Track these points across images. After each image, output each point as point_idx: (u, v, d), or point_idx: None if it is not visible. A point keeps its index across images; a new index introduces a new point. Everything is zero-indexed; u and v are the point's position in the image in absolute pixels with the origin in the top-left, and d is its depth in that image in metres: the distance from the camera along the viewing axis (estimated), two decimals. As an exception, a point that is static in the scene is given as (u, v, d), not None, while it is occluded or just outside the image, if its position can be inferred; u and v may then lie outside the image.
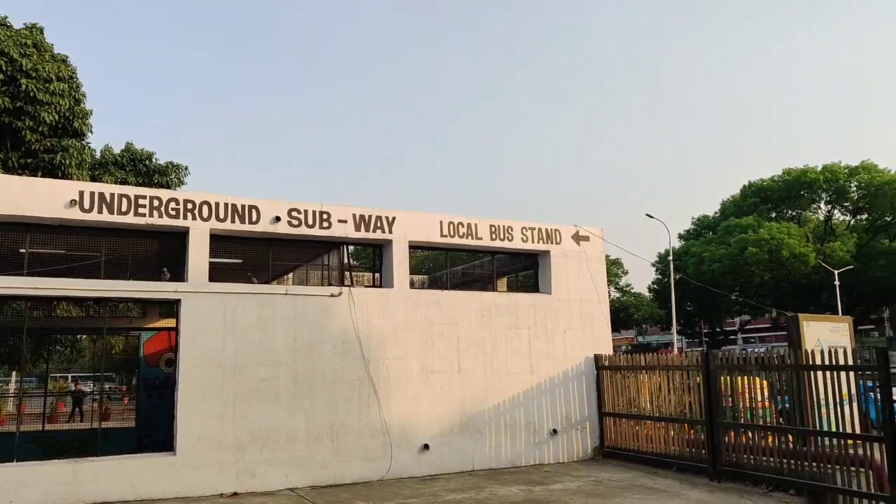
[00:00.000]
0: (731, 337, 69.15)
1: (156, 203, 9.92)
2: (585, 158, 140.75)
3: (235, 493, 9.66)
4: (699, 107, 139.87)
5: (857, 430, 8.92)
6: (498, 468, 11.67)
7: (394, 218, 11.61)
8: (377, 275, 11.99)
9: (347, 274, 11.74)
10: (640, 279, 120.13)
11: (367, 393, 10.88)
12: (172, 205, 10.01)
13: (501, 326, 12.31)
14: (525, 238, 12.87)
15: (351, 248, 11.98)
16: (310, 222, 10.86)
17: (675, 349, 39.36)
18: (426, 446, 11.19)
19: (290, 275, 12.95)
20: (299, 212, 10.81)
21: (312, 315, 10.67)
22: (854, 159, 54.02)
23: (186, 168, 20.66)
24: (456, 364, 11.75)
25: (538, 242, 13.00)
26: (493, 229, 12.53)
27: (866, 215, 51.43)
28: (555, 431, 12.36)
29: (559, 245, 13.17)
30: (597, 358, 12.95)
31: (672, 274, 36.87)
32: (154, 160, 20.28)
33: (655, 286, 59.50)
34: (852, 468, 8.55)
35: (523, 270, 14.27)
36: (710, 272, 47.27)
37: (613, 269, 62.35)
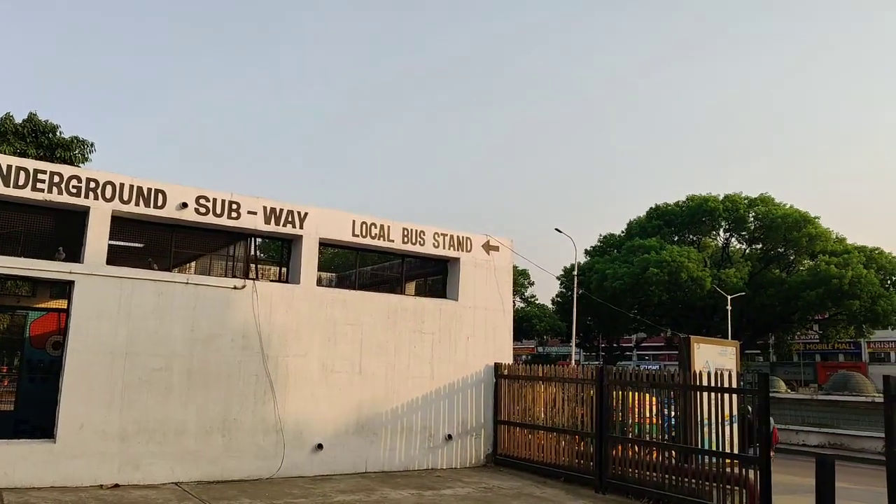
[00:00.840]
0: (627, 353, 72.25)
1: (56, 179, 9.55)
2: (503, 169, 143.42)
3: (117, 485, 9.42)
4: (621, 128, 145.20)
5: (736, 451, 9.64)
6: (391, 471, 11.88)
7: (306, 213, 11.62)
8: (284, 269, 11.96)
9: (253, 267, 11.66)
10: (545, 291, 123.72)
11: (263, 390, 10.84)
12: (74, 182, 9.66)
13: (406, 330, 12.54)
14: (437, 243, 13.16)
15: (259, 240, 11.90)
16: (218, 211, 10.73)
17: (573, 361, 40.81)
18: (320, 446, 11.26)
19: (193, 264, 12.71)
20: (208, 199, 10.66)
21: (213, 307, 10.54)
22: (754, 191, 57.77)
23: (92, 145, 19.80)
24: (358, 365, 11.88)
25: (449, 249, 13.32)
26: (405, 233, 12.75)
27: (761, 245, 55.07)
28: (450, 437, 12.69)
29: (469, 253, 13.54)
30: (497, 366, 13.39)
31: (576, 288, 38.21)
32: (59, 133, 19.33)
33: (559, 299, 61.41)
34: (728, 486, 9.26)
35: (433, 275, 14.56)
36: (611, 289, 49.28)
37: (520, 279, 63.87)
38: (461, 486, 10.89)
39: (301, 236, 11.55)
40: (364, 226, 12.25)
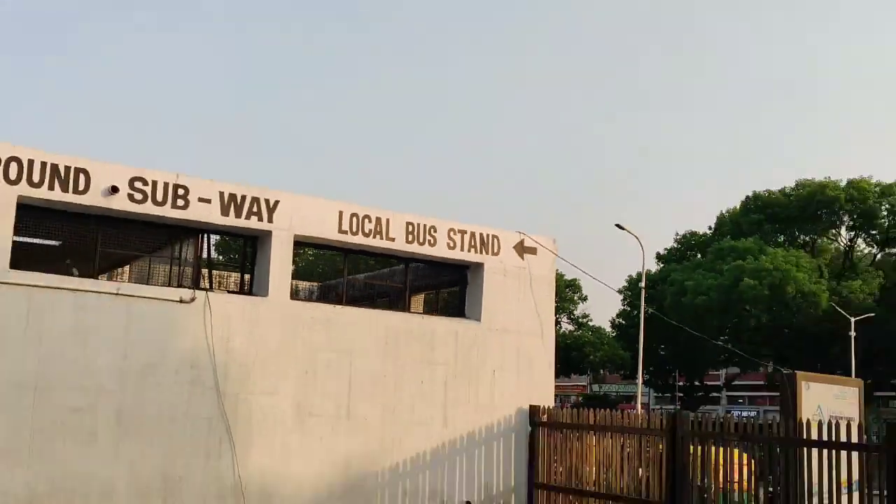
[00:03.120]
0: (714, 394, 71.86)
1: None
2: (542, 153, 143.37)
3: (21, 566, 9.53)
4: (692, 95, 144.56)
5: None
6: (390, 550, 11.93)
7: (276, 202, 11.72)
8: (248, 277, 12.04)
9: (206, 273, 11.75)
10: (602, 310, 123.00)
11: (218, 438, 10.93)
12: (-38, 158, 9.83)
13: (411, 360, 12.57)
14: (452, 244, 13.18)
15: (215, 238, 11.98)
16: (159, 198, 10.85)
17: (639, 405, 40.65)
18: (295, 515, 11.32)
19: (127, 269, 12.84)
20: (146, 182, 10.78)
21: (152, 326, 10.65)
22: (888, 176, 57.15)
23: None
24: (345, 407, 11.94)
25: (469, 251, 13.33)
26: (409, 228, 12.78)
27: (897, 248, 54.52)
28: (469, 505, 12.72)
29: (496, 256, 13.54)
30: (532, 411, 13.38)
31: (643, 306, 38.03)
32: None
33: (621, 320, 61.22)
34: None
35: (447, 287, 14.59)
36: (693, 306, 49.01)
37: (568, 293, 63.90)
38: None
39: (270, 232, 11.64)
40: (354, 219, 12.31)
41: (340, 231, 12.22)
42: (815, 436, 9.64)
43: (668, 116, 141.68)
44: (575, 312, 68.13)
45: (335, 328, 11.99)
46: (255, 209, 11.54)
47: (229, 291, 11.99)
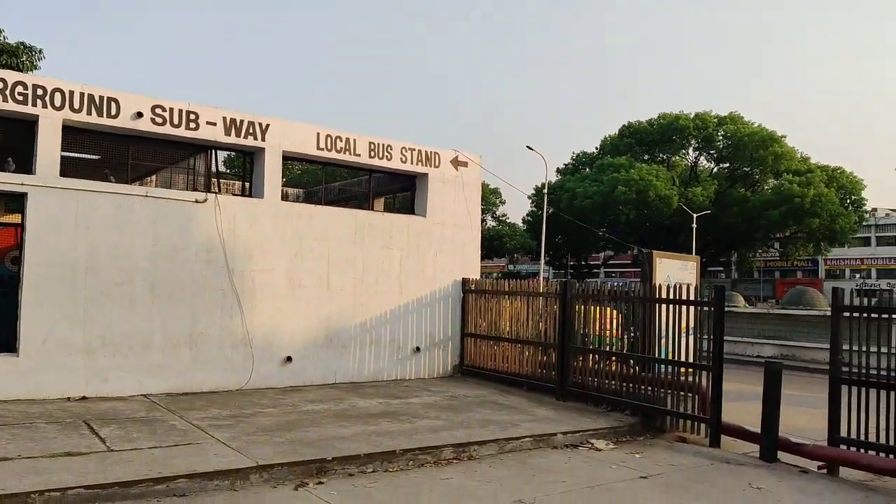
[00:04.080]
0: (595, 271, 73.47)
1: (0, 85, 8.99)
2: (473, 86, 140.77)
3: (84, 398, 9.36)
4: (594, 46, 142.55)
5: (691, 360, 9.79)
6: (360, 382, 11.99)
7: (267, 125, 11.20)
8: (248, 184, 11.64)
9: (215, 181, 11.31)
10: (516, 210, 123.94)
11: (230, 304, 10.72)
12: (20, 89, 9.11)
13: (374, 246, 12.40)
14: (404, 159, 12.86)
15: (222, 154, 11.50)
16: (175, 121, 10.28)
17: (542, 279, 41.27)
18: (289, 358, 11.27)
19: (154, 177, 12.30)
20: (164, 109, 10.18)
21: (174, 220, 10.25)
22: (723, 110, 57.47)
23: (41, 51, 18.71)
24: (325, 280, 11.77)
25: (417, 164, 13.04)
26: (371, 147, 12.41)
27: (728, 164, 55.32)
28: (418, 349, 12.79)
29: (438, 169, 13.28)
30: (464, 281, 13.39)
31: (545, 207, 38.22)
32: (2, 38, 18.21)
33: (529, 218, 61.65)
34: (682, 393, 9.48)
35: (400, 192, 14.33)
36: (581, 207, 49.51)
37: (491, 198, 63.80)
38: (428, 395, 11.04)
39: (263, 149, 11.17)
40: (329, 139, 11.88)
41: (318, 148, 11.78)
42: (665, 295, 9.78)
43: (575, 65, 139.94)
44: (497, 212, 68.26)
45: (316, 222, 11.71)
46: (251, 130, 11.03)
47: (234, 195, 11.55)
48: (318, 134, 11.77)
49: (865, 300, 8.40)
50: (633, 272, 72.19)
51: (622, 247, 54.50)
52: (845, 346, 7.93)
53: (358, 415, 9.22)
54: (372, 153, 12.41)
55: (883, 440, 7.44)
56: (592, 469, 7.48)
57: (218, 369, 10.55)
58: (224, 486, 6.29)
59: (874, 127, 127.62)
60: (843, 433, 7.80)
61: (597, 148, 60.26)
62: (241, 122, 10.93)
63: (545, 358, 11.58)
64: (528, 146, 38.27)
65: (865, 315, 7.86)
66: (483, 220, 62.32)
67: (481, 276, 13.87)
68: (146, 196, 10.09)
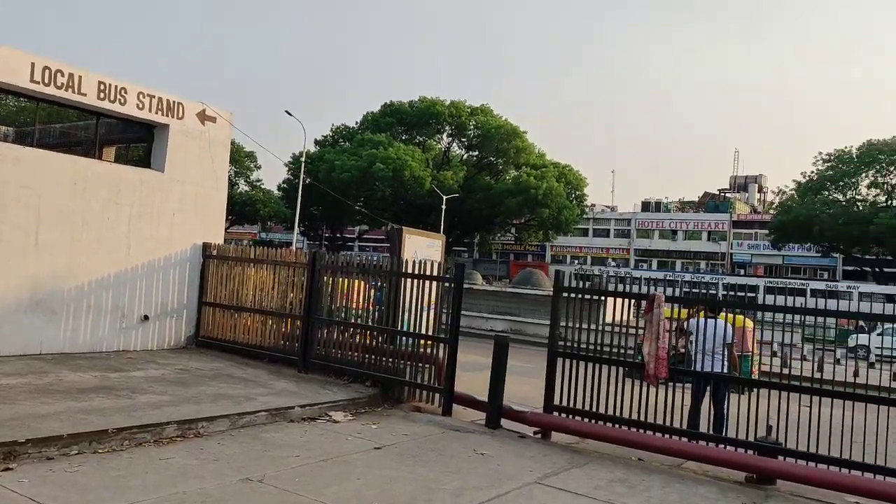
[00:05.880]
0: (350, 244, 73.97)
1: None
2: (238, 39, 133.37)
3: None
4: (370, 17, 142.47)
5: (431, 333, 10.05)
6: (73, 353, 10.53)
7: (-34, 45, 9.26)
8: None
9: None
10: (273, 177, 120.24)
11: None
12: None
13: (98, 199, 10.92)
14: (141, 105, 11.48)
15: None
16: None
17: (295, 249, 40.44)
18: (-19, 325, 9.51)
19: None
20: None
21: None
22: (477, 101, 60.93)
23: None
24: (34, 235, 10.10)
25: (157, 113, 11.72)
26: (102, 87, 10.87)
27: (477, 152, 58.82)
28: (146, 318, 11.58)
29: (181, 120, 12.07)
30: (205, 246, 12.40)
31: (302, 176, 37.42)
32: None
33: (286, 186, 60.10)
34: (421, 364, 9.68)
35: (136, 142, 12.81)
36: (339, 180, 49.34)
37: (246, 161, 61.04)
38: (155, 367, 10.02)
39: (-43, 73, 9.22)
40: (47, 72, 10.14)
41: (32, 81, 9.99)
42: (411, 270, 9.89)
43: (338, 41, 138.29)
44: (251, 177, 65.36)
45: (25, 166, 9.97)
46: (-61, 48, 9.03)
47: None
48: (34, 64, 9.99)
49: (582, 283, 9.24)
50: (385, 247, 73.83)
51: (377, 222, 55.44)
52: (563, 323, 8.63)
53: (66, 390, 8.04)
54: (102, 94, 10.88)
55: (588, 407, 8.24)
56: (328, 442, 7.28)
57: None
58: None
59: (594, 134, 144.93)
60: (557, 401, 8.50)
61: (357, 123, 60.42)
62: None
63: (289, 329, 11.15)
64: (286, 111, 37.12)
65: (581, 296, 8.62)
66: (235, 184, 59.43)
67: (230, 242, 12.98)
68: None
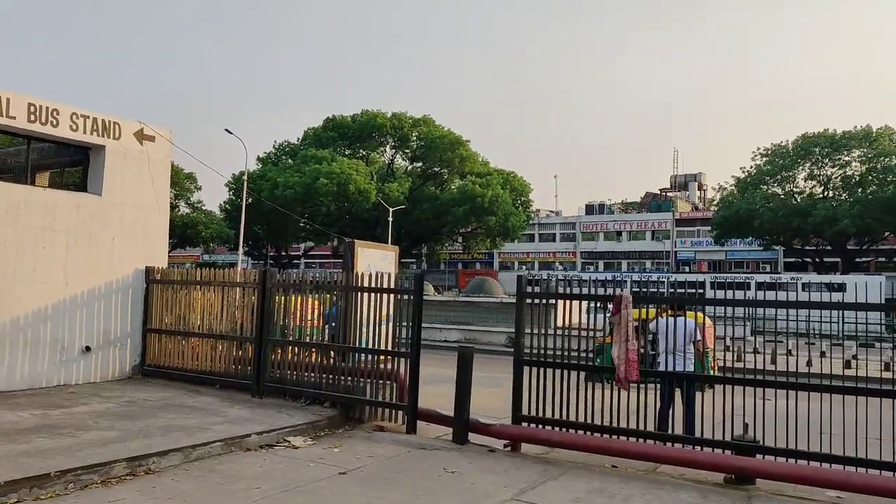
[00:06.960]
0: (296, 261, 72.80)
1: None
2: (180, 59, 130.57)
3: None
4: (307, 35, 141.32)
5: (390, 347, 9.74)
6: (10, 391, 9.85)
7: None
8: None
9: None
10: (213, 197, 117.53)
11: None
12: None
13: (32, 227, 10.29)
14: (75, 127, 10.89)
15: None
16: None
17: (240, 269, 39.47)
18: None
19: None
20: None
21: None
22: (419, 112, 60.92)
23: None
24: (-39, 267, 9.43)
25: (92, 134, 11.14)
26: (31, 109, 10.27)
27: (421, 163, 58.71)
28: (88, 349, 10.95)
29: (118, 141, 11.51)
30: (148, 271, 11.82)
31: (244, 195, 36.59)
32: None
33: (228, 206, 58.77)
34: (381, 381, 9.37)
35: (71, 166, 12.18)
36: (282, 197, 48.48)
37: (186, 183, 59.42)
38: (99, 401, 9.44)
39: None
40: (-31, 94, 9.53)
41: (-47, 104, 9.39)
42: (367, 284, 9.61)
43: (277, 52, 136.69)
44: (192, 199, 63.60)
45: (-52, 195, 9.31)
46: None
47: None
48: (-46, 86, 9.37)
49: (537, 288, 9.08)
50: (332, 263, 72.91)
51: (323, 237, 54.69)
52: (528, 330, 8.45)
53: (3, 431, 7.46)
54: (32, 117, 10.28)
55: (558, 415, 8.07)
56: (289, 470, 6.92)
57: None
58: None
59: (538, 138, 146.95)
60: (525, 411, 8.30)
61: (299, 139, 59.60)
62: None
63: (241, 353, 10.69)
64: (227, 129, 36.28)
65: (545, 301, 8.47)
66: (176, 207, 57.74)
67: (172, 266, 12.41)
68: None
